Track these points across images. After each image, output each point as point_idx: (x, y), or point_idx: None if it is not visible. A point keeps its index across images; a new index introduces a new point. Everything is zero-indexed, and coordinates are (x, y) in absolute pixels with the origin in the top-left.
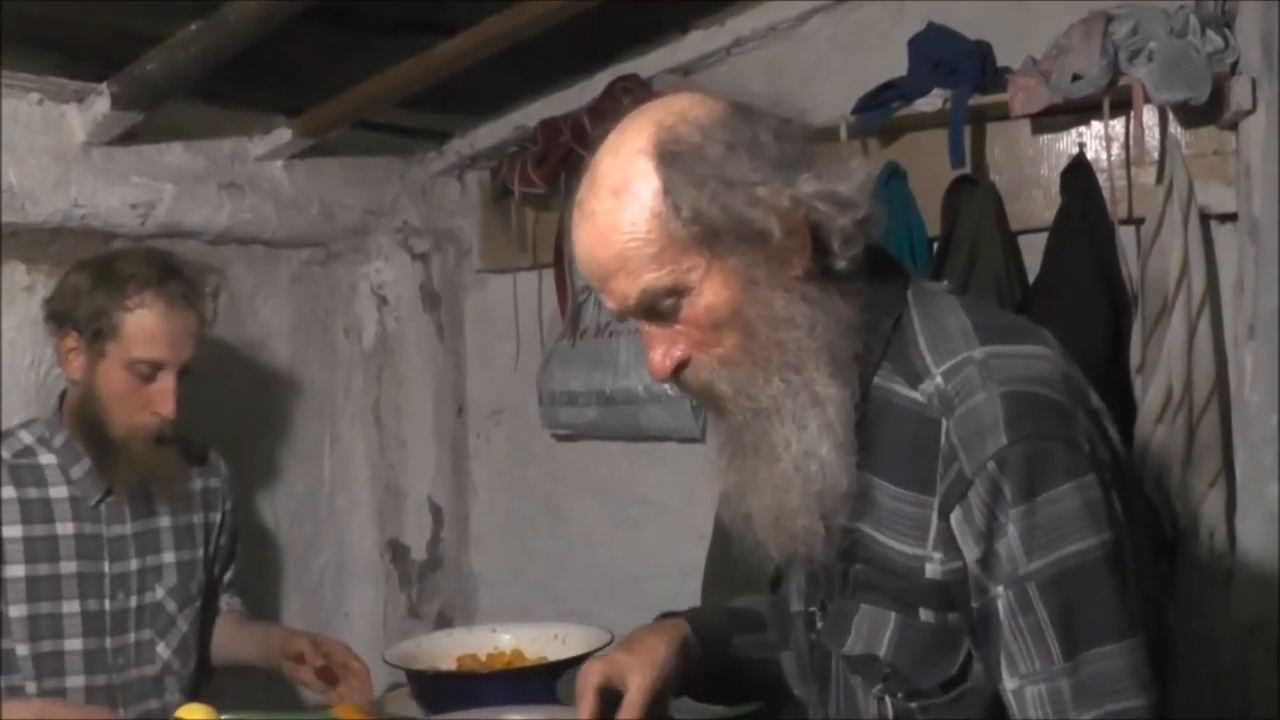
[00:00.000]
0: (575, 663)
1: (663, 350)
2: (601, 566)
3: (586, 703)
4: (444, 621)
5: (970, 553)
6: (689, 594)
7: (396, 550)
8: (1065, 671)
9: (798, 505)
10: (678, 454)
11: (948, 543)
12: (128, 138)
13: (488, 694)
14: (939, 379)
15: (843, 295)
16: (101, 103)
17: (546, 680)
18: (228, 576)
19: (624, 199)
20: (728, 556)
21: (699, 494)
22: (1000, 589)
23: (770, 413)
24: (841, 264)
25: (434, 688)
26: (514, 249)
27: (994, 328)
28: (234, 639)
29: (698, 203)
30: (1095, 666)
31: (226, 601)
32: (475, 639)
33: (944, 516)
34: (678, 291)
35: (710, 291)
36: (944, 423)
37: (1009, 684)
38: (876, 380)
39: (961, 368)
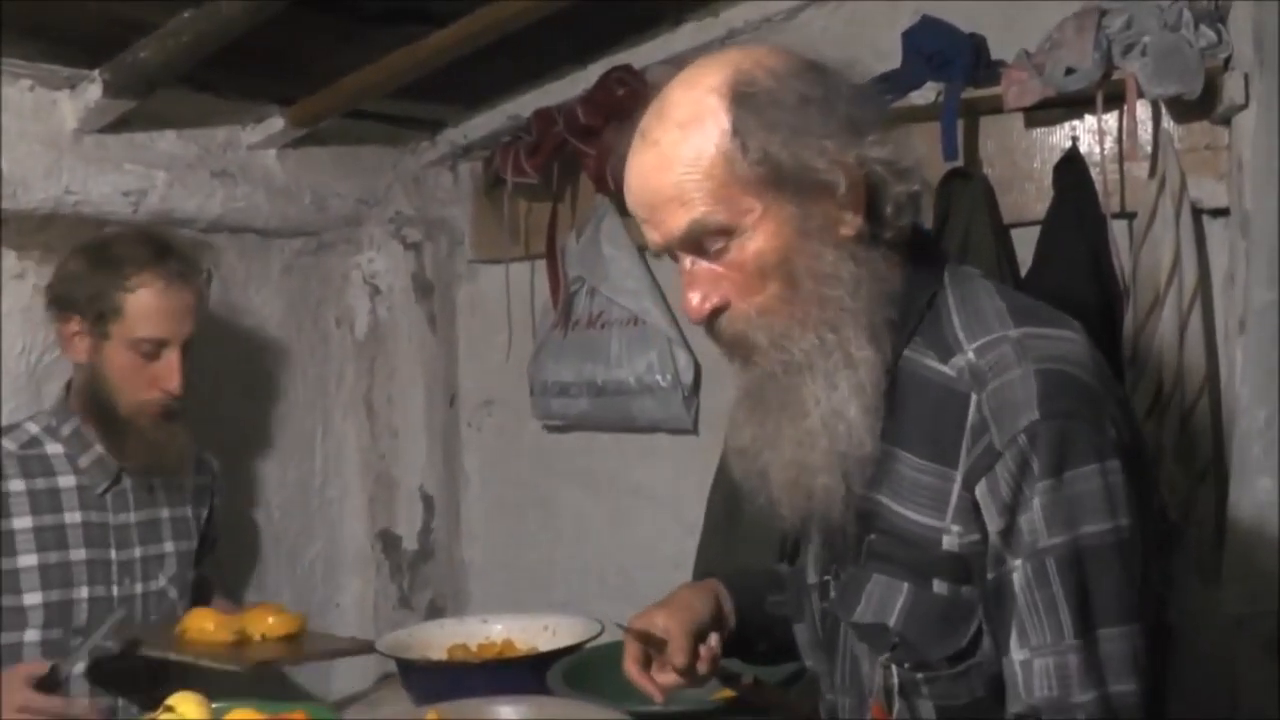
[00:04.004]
0: (565, 654)
1: (702, 293)
2: (592, 557)
3: (631, 652)
4: (435, 611)
5: (993, 524)
6: (678, 582)
7: (388, 540)
8: (1076, 648)
9: (820, 463)
10: (669, 445)
11: (967, 515)
12: (119, 125)
13: (478, 684)
14: (971, 354)
15: (886, 264)
16: (93, 90)
17: (537, 670)
18: (205, 561)
19: (690, 132)
20: (724, 544)
21: (690, 486)
22: (1018, 561)
23: (802, 367)
24: (889, 233)
25: (425, 677)
26: (506, 239)
27: (1028, 311)
28: None
29: (767, 146)
30: (1104, 646)
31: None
32: (466, 629)
33: (969, 488)
34: (729, 231)
35: (762, 237)
36: (974, 397)
37: (1017, 655)
38: (907, 353)
39: (996, 345)
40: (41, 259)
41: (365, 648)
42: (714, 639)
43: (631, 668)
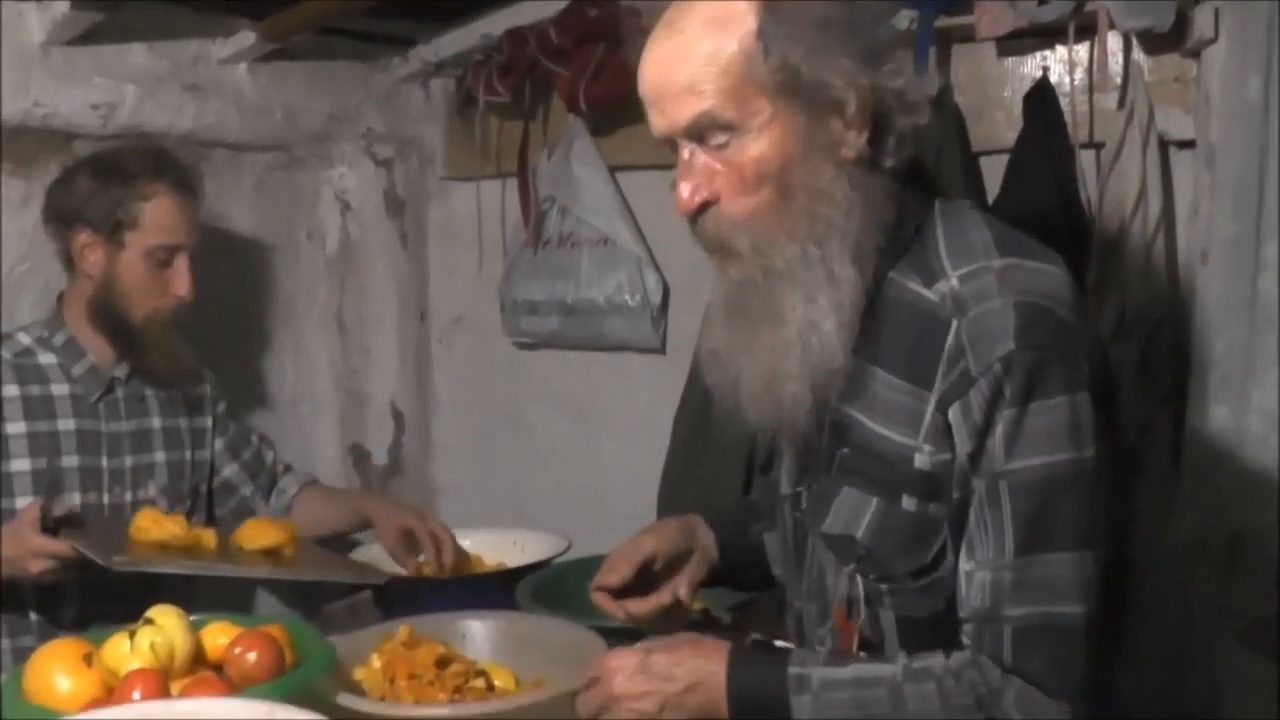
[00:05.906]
0: (533, 569)
1: (694, 185)
2: (561, 475)
3: (616, 572)
4: None
5: (963, 446)
6: (647, 502)
7: (358, 455)
8: (1011, 566)
9: (792, 372)
10: (638, 365)
11: (939, 436)
12: (87, 38)
13: (446, 599)
14: (955, 281)
15: (882, 192)
16: (60, 2)
17: (505, 586)
18: (278, 463)
19: (716, 28)
20: (690, 461)
21: (658, 404)
22: (979, 482)
23: (783, 276)
24: (890, 161)
25: (394, 593)
26: (478, 157)
27: (1014, 243)
28: (321, 511)
29: (788, 55)
30: (1043, 570)
31: (297, 479)
32: None
33: (942, 410)
34: (734, 128)
35: (766, 141)
36: (955, 323)
37: (964, 566)
38: (891, 275)
39: (979, 274)
40: (12, 172)
41: (371, 576)
42: (684, 589)
43: (598, 595)
